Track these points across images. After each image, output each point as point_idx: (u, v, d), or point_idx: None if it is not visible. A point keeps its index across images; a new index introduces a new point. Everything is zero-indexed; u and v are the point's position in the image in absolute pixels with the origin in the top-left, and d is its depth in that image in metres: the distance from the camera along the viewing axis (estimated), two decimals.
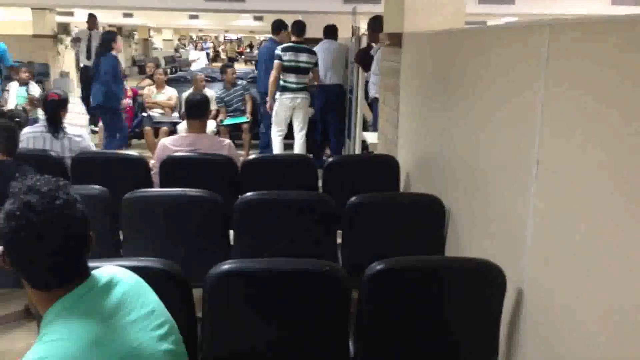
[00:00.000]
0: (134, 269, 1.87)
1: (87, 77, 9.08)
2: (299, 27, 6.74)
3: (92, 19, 10.02)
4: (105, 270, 1.50)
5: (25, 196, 1.34)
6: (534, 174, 1.95)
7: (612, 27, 1.62)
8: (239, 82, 8.32)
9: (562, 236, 1.79)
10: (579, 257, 1.70)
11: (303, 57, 6.52)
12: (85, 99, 9.53)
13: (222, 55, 30.65)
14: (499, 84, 2.39)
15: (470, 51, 2.84)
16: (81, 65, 10.42)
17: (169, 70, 19.72)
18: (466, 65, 2.87)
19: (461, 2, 4.41)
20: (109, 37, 6.95)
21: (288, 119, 6.75)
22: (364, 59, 6.00)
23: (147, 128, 7.47)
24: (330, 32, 7.32)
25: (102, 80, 6.64)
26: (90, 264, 1.50)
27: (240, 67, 19.94)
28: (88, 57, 9.55)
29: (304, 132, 6.81)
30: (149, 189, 3.26)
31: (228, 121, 7.96)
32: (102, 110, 6.82)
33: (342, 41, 7.57)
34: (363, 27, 7.44)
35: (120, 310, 1.43)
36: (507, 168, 2.25)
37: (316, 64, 6.69)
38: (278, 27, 7.16)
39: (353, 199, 2.89)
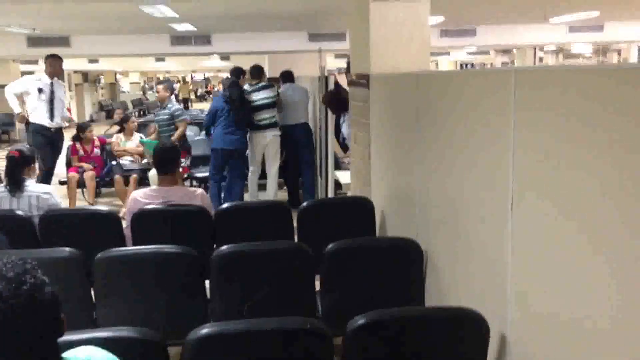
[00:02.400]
0: (109, 340, 1.81)
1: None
2: (257, 70, 7.15)
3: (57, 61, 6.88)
4: (80, 352, 1.44)
5: None
6: (509, 215, 1.96)
7: (572, 75, 1.65)
8: (169, 105, 7.22)
9: (542, 279, 1.79)
10: (561, 300, 1.69)
11: (264, 93, 6.85)
12: None
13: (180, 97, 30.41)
14: (471, 126, 2.41)
15: (440, 94, 2.88)
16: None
17: (137, 113, 19.63)
18: (437, 107, 2.90)
19: (426, 39, 4.48)
20: None
21: (261, 157, 6.96)
22: (332, 102, 6.01)
23: (117, 176, 7.37)
24: (289, 76, 7.70)
25: None
26: (64, 338, 1.45)
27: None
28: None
29: (276, 170, 6.95)
30: (122, 248, 3.19)
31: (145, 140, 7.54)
32: None
33: (310, 79, 7.72)
34: (330, 64, 7.56)
35: None
36: (483, 209, 2.26)
37: (278, 95, 7.04)
38: (239, 73, 7.32)
39: (330, 246, 2.87)
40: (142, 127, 8.82)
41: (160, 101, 7.24)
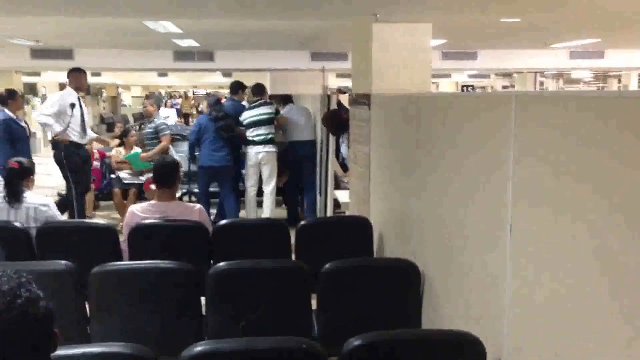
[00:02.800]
0: (102, 355, 1.79)
1: None
2: (258, 88, 7.25)
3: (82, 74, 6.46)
4: None
5: None
6: (508, 238, 1.95)
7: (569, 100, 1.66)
8: (155, 119, 7.13)
9: (541, 302, 1.78)
10: (559, 324, 1.68)
11: (262, 109, 6.90)
12: None
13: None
14: (470, 148, 2.42)
15: (440, 116, 2.88)
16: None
17: (138, 127, 19.65)
18: (436, 129, 2.91)
19: (427, 60, 4.51)
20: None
21: (257, 174, 6.95)
22: (332, 123, 6.02)
23: (116, 189, 7.37)
24: (288, 98, 7.86)
25: None
26: (57, 353, 1.43)
27: None
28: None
29: (272, 187, 6.92)
30: (118, 262, 3.18)
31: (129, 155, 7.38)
32: None
33: (312, 98, 7.77)
34: (332, 84, 7.61)
35: None
36: (481, 232, 2.25)
37: (277, 113, 7.08)
38: (237, 88, 7.40)
39: (327, 265, 2.86)
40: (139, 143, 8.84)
41: (148, 116, 7.23)
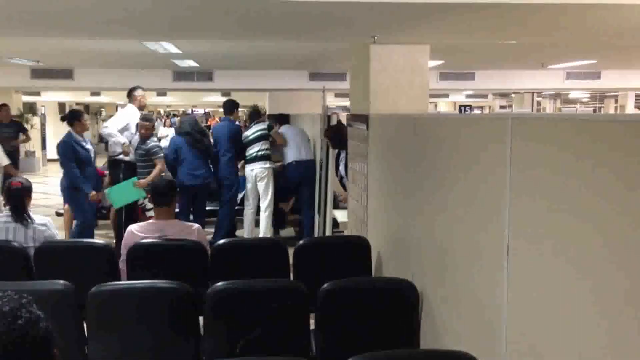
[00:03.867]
0: None
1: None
2: (254, 115, 7.59)
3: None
4: None
5: None
6: (505, 260, 1.96)
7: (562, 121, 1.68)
8: (147, 141, 6.48)
9: (538, 325, 1.79)
10: (556, 347, 1.68)
11: (255, 127, 7.11)
12: None
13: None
14: (467, 170, 2.43)
15: (437, 137, 2.91)
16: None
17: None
18: (433, 150, 2.93)
19: (425, 81, 4.55)
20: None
21: (255, 192, 7.00)
22: (334, 136, 6.08)
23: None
24: (285, 119, 7.92)
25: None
26: None
27: None
28: None
29: (267, 204, 6.95)
30: (116, 282, 3.18)
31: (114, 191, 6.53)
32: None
33: (311, 118, 7.82)
34: (330, 103, 7.65)
35: None
36: (478, 253, 2.26)
37: (270, 128, 7.18)
38: (232, 107, 7.39)
39: (326, 285, 2.86)
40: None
41: (146, 138, 6.47)
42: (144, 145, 6.46)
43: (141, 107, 6.76)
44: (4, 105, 9.32)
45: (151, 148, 6.46)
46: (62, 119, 6.63)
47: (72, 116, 6.46)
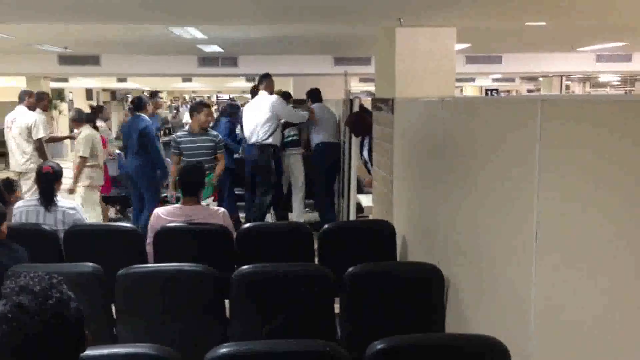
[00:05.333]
0: (128, 356, 1.82)
1: None
2: (285, 96, 7.27)
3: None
4: None
5: (17, 297, 1.30)
6: (534, 246, 1.94)
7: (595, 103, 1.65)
8: (212, 132, 5.91)
9: (566, 311, 1.76)
10: (585, 334, 1.66)
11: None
12: None
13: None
14: (496, 154, 2.40)
15: (465, 120, 2.87)
16: None
17: (162, 132, 19.75)
18: (461, 134, 2.90)
19: (452, 65, 4.50)
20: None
21: (287, 178, 7.01)
22: (356, 124, 6.01)
23: None
24: (317, 95, 7.46)
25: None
26: (85, 353, 1.45)
27: None
28: None
29: (298, 189, 6.91)
30: (144, 265, 3.22)
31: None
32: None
33: (335, 102, 7.74)
34: (354, 88, 7.57)
35: None
36: (506, 239, 2.24)
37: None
38: (253, 93, 7.12)
39: (351, 269, 2.86)
40: (165, 146, 8.84)
41: (204, 127, 5.72)
42: (204, 135, 5.66)
43: (271, 94, 6.44)
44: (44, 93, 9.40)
45: (216, 136, 5.77)
46: (134, 109, 6.78)
47: (141, 103, 6.73)
